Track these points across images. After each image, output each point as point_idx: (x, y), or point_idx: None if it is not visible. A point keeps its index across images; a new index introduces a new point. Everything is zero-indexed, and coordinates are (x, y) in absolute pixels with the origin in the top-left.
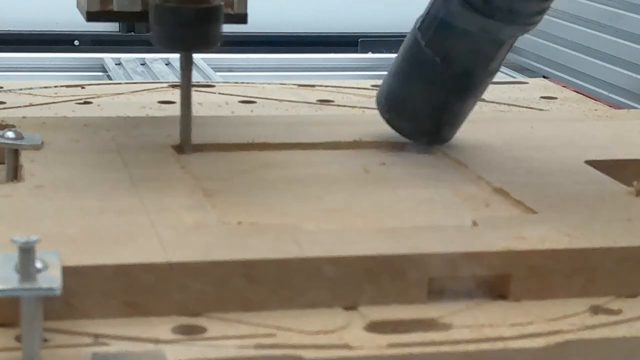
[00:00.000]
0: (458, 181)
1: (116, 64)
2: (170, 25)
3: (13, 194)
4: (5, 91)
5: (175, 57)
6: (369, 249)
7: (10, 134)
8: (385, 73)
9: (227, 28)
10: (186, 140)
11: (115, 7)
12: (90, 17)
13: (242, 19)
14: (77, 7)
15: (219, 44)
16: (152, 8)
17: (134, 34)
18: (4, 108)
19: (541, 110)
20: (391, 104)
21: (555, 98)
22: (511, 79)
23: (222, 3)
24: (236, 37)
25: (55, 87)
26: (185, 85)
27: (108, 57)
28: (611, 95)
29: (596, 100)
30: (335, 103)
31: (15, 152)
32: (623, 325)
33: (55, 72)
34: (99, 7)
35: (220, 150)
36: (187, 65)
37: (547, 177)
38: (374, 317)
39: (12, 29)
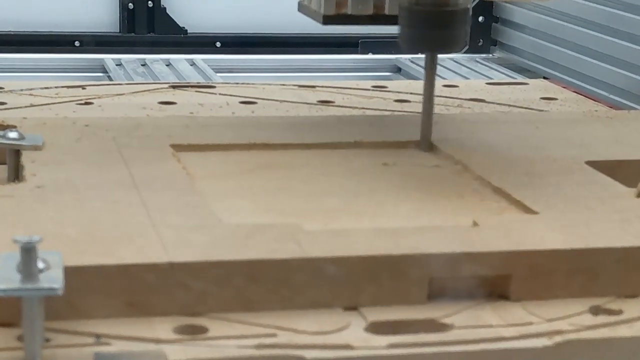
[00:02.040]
0: (458, 181)
1: (117, 65)
2: (418, 27)
3: (14, 194)
4: (6, 92)
5: (175, 57)
6: (369, 249)
7: (11, 135)
8: (386, 73)
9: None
10: (426, 138)
11: (349, 10)
12: (327, 20)
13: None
14: (300, 10)
15: (464, 46)
16: (401, 10)
17: (134, 34)
18: (5, 109)
19: (541, 111)
20: None
21: (556, 99)
22: (511, 80)
23: (469, 6)
24: (236, 38)
25: (56, 87)
26: (429, 85)
27: (109, 58)
28: (611, 96)
29: (596, 101)
30: (335, 104)
31: (17, 153)
32: (623, 325)
33: (56, 72)
34: (334, 10)
35: (220, 150)
36: (431, 66)
37: (547, 177)
38: (375, 317)
39: (12, 30)
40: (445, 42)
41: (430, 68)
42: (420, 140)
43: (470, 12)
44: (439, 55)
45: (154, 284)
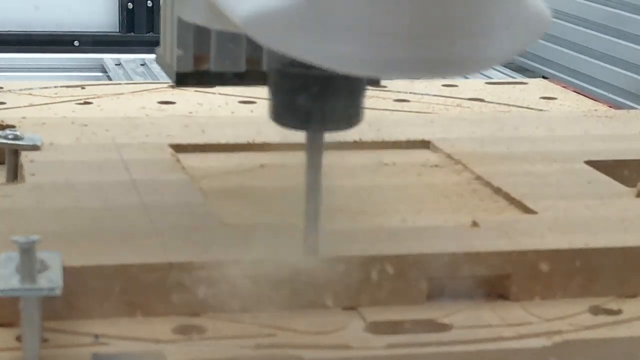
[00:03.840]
0: (458, 181)
1: (116, 65)
2: (298, 96)
3: (13, 194)
4: (5, 91)
5: None
6: (369, 248)
7: (10, 134)
8: None
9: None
10: (313, 246)
11: (212, 66)
12: (181, 79)
13: (376, 82)
14: (157, 62)
15: (356, 125)
16: (273, 74)
17: (133, 34)
18: (4, 108)
19: (541, 110)
20: None
21: (555, 98)
22: (511, 80)
23: None
24: None
25: (55, 87)
26: (314, 174)
27: (108, 58)
28: (611, 95)
29: (596, 100)
30: None
31: (15, 153)
32: (623, 325)
33: (55, 72)
34: (192, 66)
35: (220, 151)
36: (317, 147)
37: (547, 177)
38: (374, 317)
39: (12, 29)
40: (334, 117)
41: (315, 153)
42: (306, 247)
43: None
44: None
45: (152, 284)
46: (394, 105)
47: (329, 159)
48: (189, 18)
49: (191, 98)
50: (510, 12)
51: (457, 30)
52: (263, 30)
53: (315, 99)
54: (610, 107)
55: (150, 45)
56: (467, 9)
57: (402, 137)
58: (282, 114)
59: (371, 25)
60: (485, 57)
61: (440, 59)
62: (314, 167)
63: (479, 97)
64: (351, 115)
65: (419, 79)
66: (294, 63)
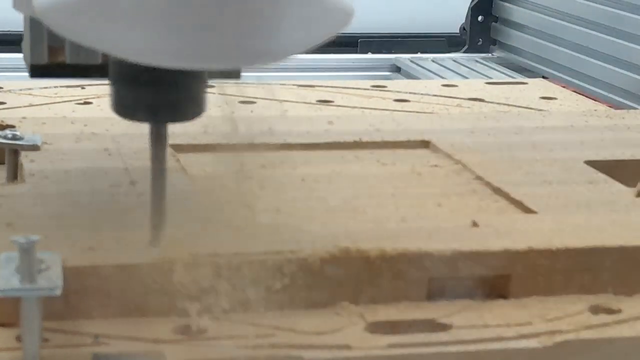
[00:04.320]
0: (457, 181)
1: None
2: (138, 89)
3: (13, 194)
4: (5, 91)
5: None
6: (370, 248)
7: (10, 134)
8: (385, 73)
9: None
10: (157, 232)
11: (67, 59)
12: (36, 71)
13: (235, 75)
14: (24, 60)
15: (200, 115)
16: (112, 66)
17: None
18: (4, 108)
19: (541, 110)
20: None
21: (555, 98)
22: (511, 79)
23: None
24: None
25: (55, 87)
26: (157, 171)
27: None
28: (610, 95)
29: (596, 100)
30: (334, 103)
31: (15, 153)
32: (623, 324)
33: None
34: (47, 59)
35: (220, 151)
36: (160, 139)
37: (547, 177)
38: (374, 317)
39: (12, 29)
40: (177, 109)
41: (159, 145)
42: (151, 237)
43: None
44: (439, 55)
45: (152, 284)
46: (394, 105)
47: (330, 158)
48: (19, 9)
49: None
50: (302, 5)
51: (244, 21)
52: (57, 19)
53: (156, 91)
54: (610, 107)
55: None
56: (256, 0)
57: (402, 137)
58: (125, 106)
59: (156, 14)
60: (276, 50)
61: (228, 49)
62: (158, 158)
63: (479, 97)
64: (194, 107)
65: (209, 69)
66: None
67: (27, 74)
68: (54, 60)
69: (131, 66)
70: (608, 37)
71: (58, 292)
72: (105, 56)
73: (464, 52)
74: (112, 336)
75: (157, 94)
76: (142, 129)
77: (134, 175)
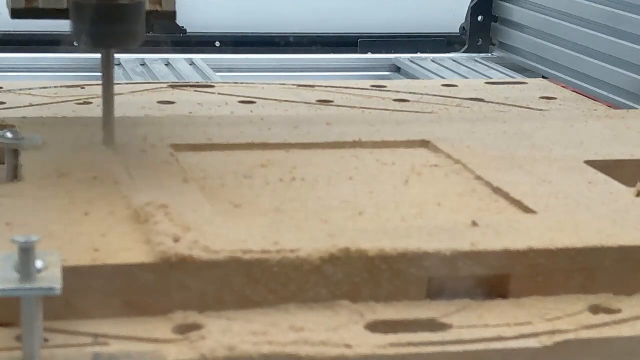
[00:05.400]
0: (457, 181)
1: (116, 65)
2: (90, 22)
3: (13, 194)
4: (5, 91)
5: (174, 57)
6: (369, 248)
7: (10, 134)
8: (385, 73)
9: (228, 29)
10: (109, 136)
11: (40, 4)
12: (15, 14)
13: (170, 16)
14: (6, 6)
15: (141, 42)
16: (71, 5)
17: None
18: (4, 108)
19: (541, 110)
20: None
21: (555, 98)
22: (510, 80)
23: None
24: (236, 37)
25: (55, 87)
26: (107, 83)
27: None
28: (610, 95)
29: (595, 100)
30: (334, 103)
31: (16, 152)
32: (622, 324)
33: (55, 72)
34: (24, 4)
35: (219, 150)
36: (108, 64)
37: (547, 177)
38: (374, 316)
39: (12, 29)
40: (121, 38)
41: (107, 66)
42: (103, 137)
43: (145, 8)
44: (439, 55)
45: (152, 284)
46: (394, 106)
47: (330, 158)
48: None
49: (191, 98)
50: None
51: None
52: None
53: (106, 24)
54: (610, 106)
55: (150, 45)
56: None
57: (402, 137)
58: (82, 38)
59: None
60: None
61: None
62: (107, 77)
63: (479, 97)
64: (135, 36)
65: None
66: None
67: (27, 74)
68: (30, 5)
69: (85, 7)
70: (608, 37)
71: (58, 292)
72: (69, 2)
73: (464, 52)
74: (112, 336)
75: (107, 28)
76: (142, 129)
77: (134, 175)
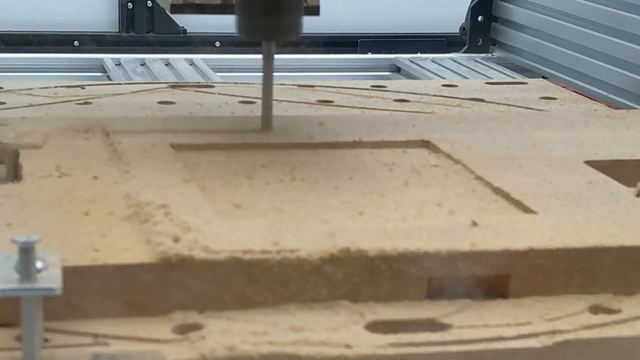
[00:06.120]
0: (458, 181)
1: (116, 65)
2: (254, 16)
3: (13, 193)
4: (5, 91)
5: (174, 57)
6: (370, 248)
7: (10, 134)
8: (385, 73)
9: (228, 29)
10: (267, 119)
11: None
12: (175, 10)
13: (314, 11)
14: (158, 2)
15: (297, 36)
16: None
17: (133, 34)
18: (4, 108)
19: (541, 110)
20: None
21: (555, 98)
22: (511, 80)
23: None
24: (236, 37)
25: (55, 87)
26: (267, 71)
27: (108, 58)
28: (610, 95)
29: (595, 100)
30: (334, 103)
31: (15, 152)
32: (622, 324)
33: (55, 72)
34: (182, 0)
35: (220, 150)
36: (269, 54)
37: (547, 177)
38: (374, 316)
39: (12, 29)
40: (282, 31)
41: (268, 57)
42: (261, 122)
43: (316, 3)
44: (439, 55)
45: (152, 284)
46: (394, 106)
47: (330, 158)
48: None
49: (191, 98)
50: None
51: None
52: None
53: (269, 17)
54: (610, 106)
55: (150, 45)
56: None
57: (402, 137)
58: (246, 29)
59: None
60: None
61: None
62: (267, 66)
63: (479, 97)
64: (294, 29)
65: None
66: None
67: (27, 74)
68: (187, 1)
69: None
70: (608, 37)
71: (58, 292)
72: None
73: (464, 52)
74: (112, 336)
75: (269, 21)
76: (141, 128)
77: (135, 174)
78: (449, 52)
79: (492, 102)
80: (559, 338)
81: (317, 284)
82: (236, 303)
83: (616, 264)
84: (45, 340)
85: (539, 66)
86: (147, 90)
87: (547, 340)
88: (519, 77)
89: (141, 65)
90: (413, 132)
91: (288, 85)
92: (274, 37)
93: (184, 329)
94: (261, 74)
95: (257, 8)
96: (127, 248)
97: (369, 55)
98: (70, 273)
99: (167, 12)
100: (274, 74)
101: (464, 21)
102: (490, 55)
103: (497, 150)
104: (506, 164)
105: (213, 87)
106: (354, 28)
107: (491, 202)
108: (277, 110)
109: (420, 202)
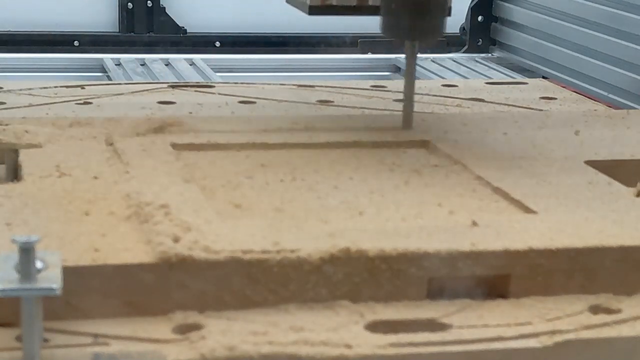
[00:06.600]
0: (458, 181)
1: (116, 65)
2: (402, 17)
3: (13, 193)
4: (5, 92)
5: (174, 57)
6: (370, 248)
7: (10, 134)
8: (385, 73)
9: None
10: (407, 118)
11: (334, 1)
12: (313, 11)
13: (448, 11)
14: (288, 2)
15: (442, 36)
16: (383, 2)
17: (133, 34)
18: (4, 108)
19: (541, 110)
20: None
21: (555, 98)
22: (511, 80)
23: None
24: (236, 37)
25: (55, 87)
26: (410, 71)
27: (108, 58)
28: (610, 95)
29: (595, 100)
30: (334, 103)
31: (15, 152)
32: (622, 324)
33: (55, 72)
34: (320, 1)
35: (220, 150)
36: (412, 54)
37: (546, 177)
38: (374, 316)
39: (12, 29)
40: (426, 32)
41: (411, 57)
42: (402, 120)
43: (450, 3)
44: (439, 55)
45: (152, 284)
46: (393, 105)
47: (330, 158)
48: None
49: (191, 98)
50: None
51: None
52: None
53: (413, 18)
54: (610, 107)
55: (150, 45)
56: None
57: (402, 137)
58: (390, 29)
59: None
60: None
61: None
62: (410, 65)
63: (479, 97)
64: (437, 30)
65: None
66: None
67: (27, 74)
68: (324, 2)
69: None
70: (608, 38)
71: (58, 292)
72: (359, 0)
73: (464, 52)
74: (112, 336)
75: (414, 21)
76: (141, 128)
77: (135, 174)
78: (449, 52)
79: (492, 102)
80: (559, 338)
81: (317, 284)
82: (236, 303)
83: (616, 264)
84: (45, 340)
85: (539, 66)
86: (147, 90)
87: (547, 340)
88: (519, 77)
89: (141, 65)
90: (413, 132)
91: (288, 85)
92: (419, 37)
93: (184, 329)
94: (260, 74)
95: (404, 9)
96: (127, 248)
97: (369, 55)
98: (70, 273)
99: (304, 13)
100: (276, 74)
101: (464, 21)
102: (490, 55)
103: (497, 150)
104: (506, 164)
105: (213, 87)
106: (354, 28)
107: (491, 202)
108: (278, 110)
109: (420, 202)
